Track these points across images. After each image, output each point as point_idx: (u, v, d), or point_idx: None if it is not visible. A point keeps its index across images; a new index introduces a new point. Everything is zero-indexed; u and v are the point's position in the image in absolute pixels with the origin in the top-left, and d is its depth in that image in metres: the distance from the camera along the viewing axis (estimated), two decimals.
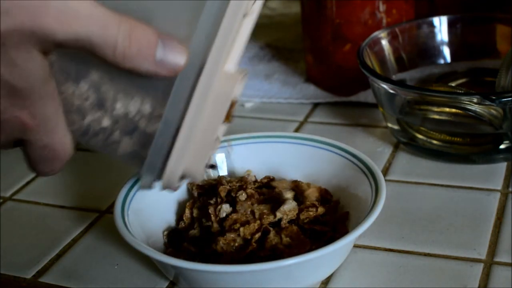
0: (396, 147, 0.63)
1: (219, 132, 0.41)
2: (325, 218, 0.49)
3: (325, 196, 0.52)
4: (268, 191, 0.51)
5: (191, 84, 0.36)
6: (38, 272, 0.51)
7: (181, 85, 0.36)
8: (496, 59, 0.66)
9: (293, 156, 0.54)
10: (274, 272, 0.42)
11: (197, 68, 0.36)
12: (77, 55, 0.37)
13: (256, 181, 0.53)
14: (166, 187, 0.39)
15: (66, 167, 0.64)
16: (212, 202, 0.49)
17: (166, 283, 0.48)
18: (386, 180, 0.53)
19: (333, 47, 0.71)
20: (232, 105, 0.39)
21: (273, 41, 0.88)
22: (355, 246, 0.50)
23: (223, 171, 0.55)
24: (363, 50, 0.62)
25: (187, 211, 0.50)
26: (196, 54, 0.36)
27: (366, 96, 0.70)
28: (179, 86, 0.36)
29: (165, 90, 0.37)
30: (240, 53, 0.39)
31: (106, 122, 0.38)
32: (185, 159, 0.38)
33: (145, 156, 0.38)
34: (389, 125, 0.62)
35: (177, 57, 0.36)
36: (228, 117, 0.40)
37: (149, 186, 0.40)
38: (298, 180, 0.52)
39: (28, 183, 0.63)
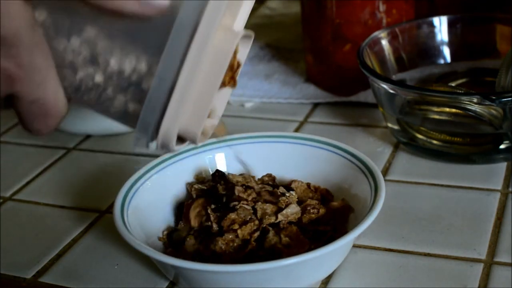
0: (396, 147, 0.63)
1: (223, 96, 0.39)
2: (326, 217, 0.49)
3: (326, 196, 0.52)
4: (274, 190, 0.51)
5: (188, 37, 0.35)
6: (38, 272, 0.51)
7: (177, 37, 0.35)
8: (496, 59, 0.66)
9: (293, 156, 0.55)
10: (274, 271, 0.42)
11: (194, 20, 0.35)
12: (70, 10, 0.36)
13: (257, 182, 0.53)
14: (162, 146, 0.38)
15: (66, 167, 0.64)
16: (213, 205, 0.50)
17: (166, 283, 0.48)
18: (386, 180, 0.53)
19: (333, 47, 0.71)
20: (237, 68, 0.38)
21: (273, 41, 0.88)
22: (355, 246, 0.50)
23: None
24: (363, 50, 0.62)
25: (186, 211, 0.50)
26: (194, 5, 0.35)
27: (366, 96, 0.70)
28: (175, 39, 0.35)
29: (162, 46, 0.36)
30: (246, 14, 0.38)
31: (99, 78, 0.37)
32: (181, 118, 0.36)
33: (139, 114, 0.37)
34: (389, 125, 0.62)
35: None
36: (233, 81, 0.39)
37: (144, 146, 0.38)
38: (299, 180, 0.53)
39: (28, 183, 0.63)
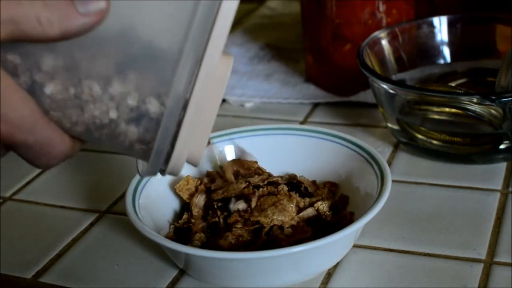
0: (396, 147, 0.63)
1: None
2: (331, 209, 0.50)
3: (330, 188, 0.53)
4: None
5: (193, 66, 0.36)
6: (38, 272, 0.51)
7: (184, 67, 0.36)
8: (496, 59, 0.66)
9: (299, 148, 0.55)
10: (283, 259, 0.43)
11: (200, 50, 0.36)
12: (68, 59, 0.37)
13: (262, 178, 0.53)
14: (171, 173, 0.39)
15: (66, 167, 0.64)
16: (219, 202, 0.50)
17: (166, 283, 0.48)
18: None
19: (333, 47, 0.71)
20: None
21: (273, 41, 0.88)
22: (355, 246, 0.50)
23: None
24: (363, 50, 0.62)
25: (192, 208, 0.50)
26: (200, 34, 0.36)
27: (366, 96, 0.70)
28: (181, 68, 0.36)
29: (170, 77, 0.37)
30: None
31: (113, 114, 0.38)
32: (190, 143, 0.38)
33: (151, 143, 0.38)
34: (389, 125, 0.62)
35: (98, 3, 0.36)
36: None
37: (153, 174, 0.40)
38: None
39: (28, 183, 0.63)
